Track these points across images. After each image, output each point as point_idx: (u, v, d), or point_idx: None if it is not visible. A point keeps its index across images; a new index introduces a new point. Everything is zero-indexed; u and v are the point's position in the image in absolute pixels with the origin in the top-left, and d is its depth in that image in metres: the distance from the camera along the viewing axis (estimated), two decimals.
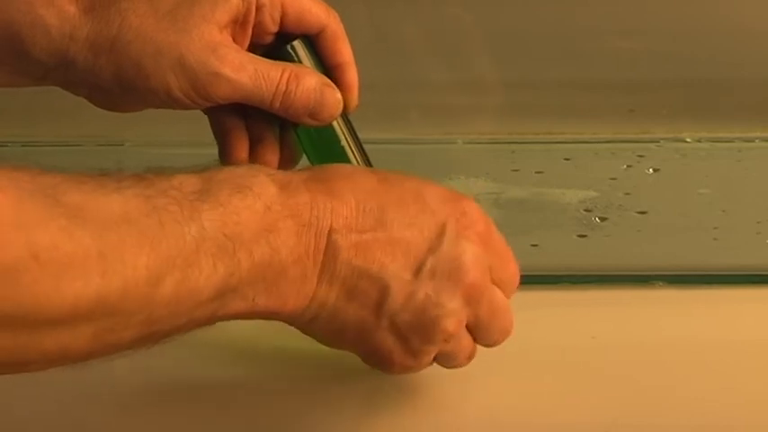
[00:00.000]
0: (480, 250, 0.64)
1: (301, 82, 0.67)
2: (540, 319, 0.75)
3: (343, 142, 0.70)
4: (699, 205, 0.88)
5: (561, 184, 0.90)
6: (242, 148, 0.69)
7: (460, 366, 0.67)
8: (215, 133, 0.70)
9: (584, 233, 0.86)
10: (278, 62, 0.67)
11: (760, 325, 0.78)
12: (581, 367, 0.74)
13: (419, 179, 0.65)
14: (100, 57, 0.66)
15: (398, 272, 0.63)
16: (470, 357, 0.67)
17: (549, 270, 0.81)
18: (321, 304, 0.62)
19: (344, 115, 0.70)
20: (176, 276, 0.55)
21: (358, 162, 0.70)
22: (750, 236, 0.85)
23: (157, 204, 0.55)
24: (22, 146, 0.95)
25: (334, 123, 0.70)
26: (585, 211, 0.88)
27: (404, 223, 0.63)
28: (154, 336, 0.57)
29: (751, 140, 0.95)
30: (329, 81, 0.69)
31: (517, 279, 0.67)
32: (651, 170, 0.92)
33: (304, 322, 0.63)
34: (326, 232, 0.61)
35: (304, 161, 0.71)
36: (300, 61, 0.69)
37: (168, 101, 0.66)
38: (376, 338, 0.64)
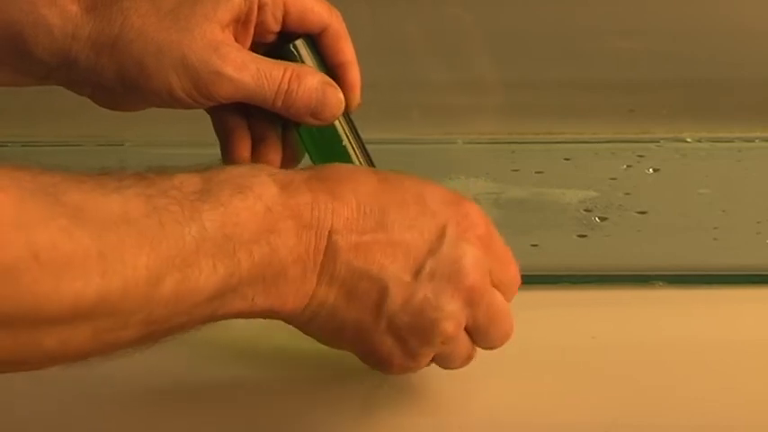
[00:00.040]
0: (481, 253, 0.64)
1: (303, 81, 0.67)
2: (540, 319, 0.75)
3: (345, 142, 0.70)
4: (699, 205, 0.88)
5: (561, 184, 0.90)
6: (244, 147, 0.69)
7: (457, 368, 0.67)
8: (217, 133, 0.70)
9: (584, 233, 0.86)
10: (280, 61, 0.67)
11: (760, 325, 0.78)
12: (581, 367, 0.74)
13: (421, 180, 0.65)
14: (102, 56, 0.66)
15: (398, 273, 0.63)
16: (468, 360, 0.67)
17: (549, 270, 0.81)
18: (320, 304, 0.62)
19: (346, 115, 0.70)
20: (176, 276, 0.55)
21: (360, 162, 0.70)
22: (750, 236, 0.85)
23: (158, 204, 0.55)
24: (22, 146, 0.95)
25: (336, 123, 0.70)
26: (585, 211, 0.88)
27: (404, 225, 0.63)
28: (153, 335, 0.57)
29: (751, 140, 0.95)
30: (331, 80, 0.69)
31: (518, 282, 0.67)
32: (651, 170, 0.92)
33: (303, 322, 0.63)
34: (327, 233, 0.61)
35: (306, 160, 0.71)
36: (302, 61, 0.69)
37: (170, 100, 0.66)
38: (374, 339, 0.64)
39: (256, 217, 0.59)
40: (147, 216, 0.55)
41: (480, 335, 0.66)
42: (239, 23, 0.68)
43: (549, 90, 0.96)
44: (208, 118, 0.71)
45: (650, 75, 0.96)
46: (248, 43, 0.68)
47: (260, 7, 0.68)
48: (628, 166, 0.93)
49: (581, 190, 0.89)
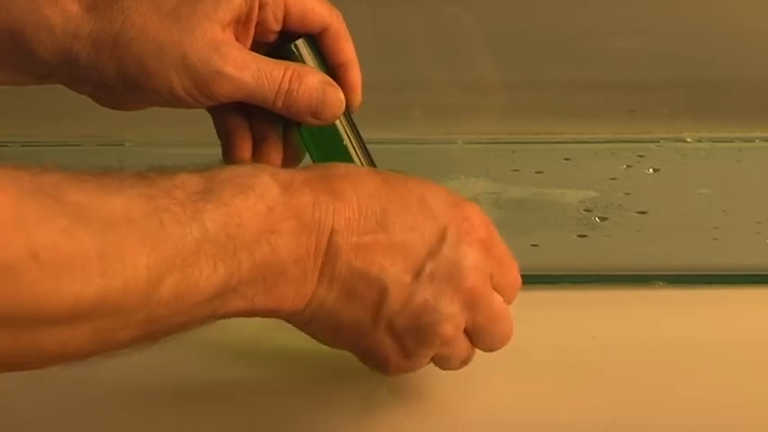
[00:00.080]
0: (481, 256, 0.64)
1: (304, 81, 0.67)
2: (540, 319, 0.75)
3: (346, 141, 0.70)
4: (699, 205, 0.88)
5: (561, 184, 0.90)
6: (245, 147, 0.69)
7: (455, 369, 0.67)
8: (218, 132, 0.71)
9: (584, 233, 0.86)
10: (281, 61, 0.67)
11: (760, 325, 0.78)
12: (581, 367, 0.74)
13: (423, 182, 0.65)
14: (103, 54, 0.66)
15: (398, 275, 0.63)
16: (466, 361, 0.67)
17: (549, 270, 0.81)
18: (320, 304, 0.62)
19: (347, 115, 0.70)
20: (176, 276, 0.55)
21: (361, 161, 0.70)
22: (750, 236, 0.85)
23: (159, 205, 0.55)
24: (22, 146, 0.95)
25: (337, 122, 0.70)
26: (585, 211, 0.88)
27: (405, 227, 0.63)
28: (153, 334, 0.57)
29: (751, 140, 0.95)
30: (331, 80, 0.69)
31: (518, 286, 0.67)
32: (651, 170, 0.92)
33: (302, 321, 0.63)
34: (328, 233, 0.61)
35: (307, 159, 0.71)
36: (303, 60, 0.69)
37: (171, 99, 0.66)
38: (373, 340, 0.64)
39: (258, 217, 0.59)
40: (149, 216, 0.55)
41: (480, 337, 0.66)
42: (240, 23, 0.68)
43: (549, 90, 0.96)
44: (208, 118, 0.71)
45: (650, 75, 0.96)
46: (249, 43, 0.68)
47: (261, 7, 0.68)
48: (628, 166, 0.93)
49: (581, 190, 0.89)
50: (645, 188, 0.90)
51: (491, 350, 0.67)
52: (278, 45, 0.69)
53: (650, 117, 0.96)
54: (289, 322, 0.64)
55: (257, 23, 0.68)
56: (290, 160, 0.70)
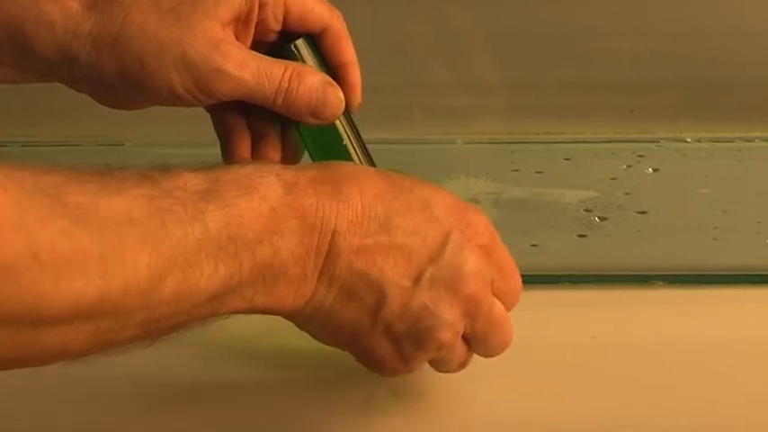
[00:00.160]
0: (482, 262, 0.64)
1: (303, 80, 0.67)
2: (540, 319, 0.75)
3: (346, 141, 0.70)
4: (699, 205, 0.88)
5: (561, 184, 0.90)
6: (244, 146, 0.69)
7: (452, 372, 0.67)
8: (217, 131, 0.70)
9: (584, 233, 0.86)
10: (281, 60, 0.67)
11: (760, 325, 0.78)
12: (581, 367, 0.74)
13: (429, 186, 0.65)
14: (102, 52, 0.66)
15: (397, 279, 0.63)
16: (463, 366, 0.67)
17: (549, 270, 0.81)
18: (319, 304, 0.62)
19: (347, 114, 0.70)
20: (177, 276, 0.55)
21: (361, 161, 0.70)
22: (750, 236, 0.85)
23: (161, 205, 0.55)
24: (22, 146, 0.95)
25: (337, 122, 0.70)
26: (585, 211, 0.88)
27: (408, 230, 0.63)
28: (153, 333, 0.57)
29: (751, 140, 0.95)
30: (331, 80, 0.69)
31: (519, 293, 0.67)
32: (651, 170, 0.92)
33: (301, 320, 0.64)
34: (330, 234, 0.61)
35: (306, 158, 0.71)
36: (303, 60, 0.69)
37: (171, 98, 0.66)
38: (370, 341, 0.64)
39: (260, 218, 0.59)
40: (150, 217, 0.55)
41: (478, 343, 0.66)
42: (240, 22, 0.68)
43: (549, 90, 0.96)
44: (208, 118, 0.71)
45: (650, 75, 0.96)
46: (249, 42, 0.68)
47: (261, 6, 0.68)
48: (628, 166, 0.93)
49: (581, 190, 0.89)
50: (645, 188, 0.90)
51: (489, 356, 0.67)
52: (278, 45, 0.69)
53: (650, 117, 0.96)
54: (288, 320, 0.64)
55: (257, 23, 0.68)
56: (288, 159, 0.70)
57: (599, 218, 0.87)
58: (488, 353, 0.67)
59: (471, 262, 0.64)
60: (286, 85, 0.67)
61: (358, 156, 0.70)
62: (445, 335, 0.64)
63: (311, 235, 0.61)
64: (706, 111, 0.96)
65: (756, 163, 0.93)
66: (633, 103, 0.96)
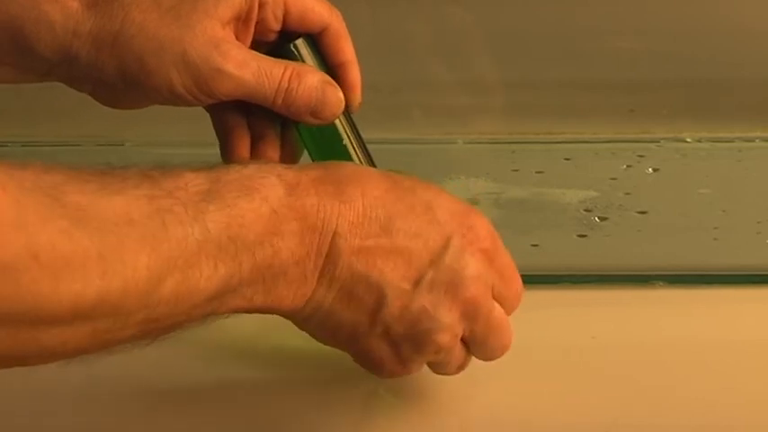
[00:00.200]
0: (483, 266, 0.64)
1: (303, 80, 0.67)
2: (540, 319, 0.75)
3: (346, 141, 0.70)
4: (699, 205, 0.88)
5: (561, 184, 0.90)
6: (243, 145, 0.69)
7: (450, 374, 0.67)
8: (217, 131, 0.70)
9: (584, 233, 0.86)
10: (280, 60, 0.68)
11: (760, 325, 0.78)
12: (581, 367, 0.74)
13: (432, 188, 0.65)
14: (103, 52, 0.66)
15: (397, 281, 0.63)
16: (461, 368, 0.67)
17: (549, 270, 0.81)
18: (318, 305, 0.62)
19: (347, 114, 0.70)
20: (177, 277, 0.55)
21: (360, 161, 0.70)
22: (750, 236, 0.85)
23: (162, 205, 0.55)
24: (22, 146, 0.95)
25: (337, 122, 0.70)
26: (585, 211, 0.88)
27: (409, 233, 0.63)
28: (152, 333, 0.57)
29: (751, 140, 0.95)
30: (331, 80, 0.69)
31: (520, 297, 0.66)
32: (651, 170, 0.92)
33: (300, 319, 0.64)
34: (330, 235, 0.61)
35: (305, 158, 0.71)
36: (303, 60, 0.69)
37: (171, 97, 0.66)
38: (368, 343, 0.64)
39: (261, 219, 0.59)
40: (150, 217, 0.55)
41: (477, 347, 0.66)
42: (240, 21, 0.68)
43: (549, 90, 0.96)
44: (208, 118, 0.71)
45: (650, 75, 0.96)
46: (249, 41, 0.68)
47: (261, 5, 0.68)
48: (628, 166, 0.93)
49: (581, 190, 0.89)
50: (645, 188, 0.90)
51: (488, 360, 0.67)
52: (278, 45, 0.69)
53: (650, 117, 0.96)
54: (287, 319, 0.64)
55: (257, 22, 0.68)
56: (287, 159, 0.70)
57: (599, 218, 0.87)
58: (487, 356, 0.67)
59: (472, 266, 0.64)
60: (286, 85, 0.67)
61: (358, 156, 0.70)
62: (444, 338, 0.64)
63: (312, 236, 0.61)
64: (706, 111, 0.96)
65: (756, 163, 0.93)
66: (633, 103, 0.96)
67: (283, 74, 0.67)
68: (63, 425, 0.70)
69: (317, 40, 0.70)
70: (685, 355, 0.75)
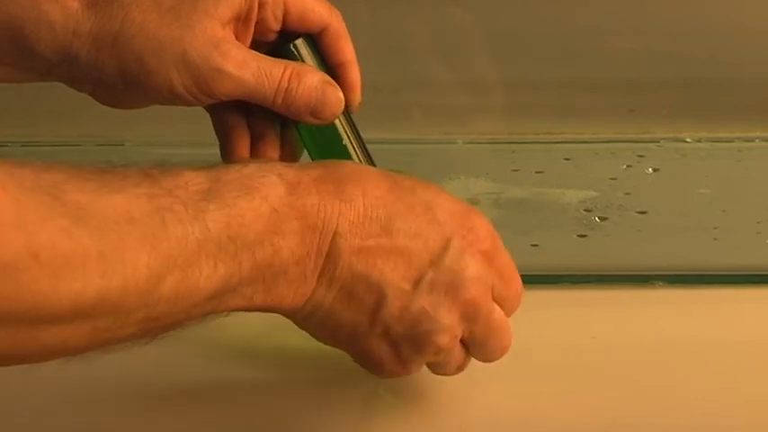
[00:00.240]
0: (483, 267, 0.64)
1: (303, 80, 0.67)
2: (540, 319, 0.75)
3: (346, 141, 0.70)
4: (699, 205, 0.88)
5: (561, 184, 0.90)
6: (243, 145, 0.69)
7: (449, 375, 0.67)
8: (216, 131, 0.70)
9: (584, 233, 0.86)
10: (280, 60, 0.68)
11: (760, 325, 0.78)
12: (581, 367, 0.74)
13: (433, 188, 0.65)
14: (103, 52, 0.66)
15: (397, 281, 0.63)
16: (460, 369, 0.67)
17: (549, 270, 0.81)
18: (318, 304, 0.62)
19: (347, 114, 0.70)
20: (177, 276, 0.55)
21: (360, 161, 0.70)
22: (750, 236, 0.85)
23: (162, 204, 0.55)
24: (22, 146, 0.95)
25: (337, 122, 0.70)
26: (585, 211, 0.88)
27: (409, 233, 0.63)
28: (151, 331, 0.57)
29: (751, 140, 0.95)
30: (331, 79, 0.69)
31: (520, 299, 0.66)
32: (651, 170, 0.92)
33: (300, 318, 0.64)
34: (331, 235, 0.61)
35: (305, 157, 0.71)
36: (303, 60, 0.69)
37: (171, 97, 0.66)
38: (368, 343, 0.64)
39: (261, 218, 0.59)
40: (150, 216, 0.55)
41: (477, 348, 0.66)
42: (240, 21, 0.68)
43: (549, 90, 0.96)
44: (208, 118, 0.71)
45: (650, 75, 0.96)
46: (249, 41, 0.68)
47: (260, 5, 0.68)
48: (628, 166, 0.93)
49: (581, 190, 0.89)
50: (645, 188, 0.90)
51: (488, 361, 0.67)
52: (278, 45, 0.69)
53: (650, 117, 0.96)
54: (287, 317, 0.64)
55: (257, 22, 0.68)
56: (287, 159, 0.70)
57: (599, 218, 0.87)
58: (487, 358, 0.67)
59: (472, 267, 0.64)
60: (285, 85, 0.67)
61: (358, 156, 0.70)
62: (443, 339, 0.64)
63: (312, 235, 0.61)
64: (706, 111, 0.96)
65: (756, 163, 0.93)
66: (633, 103, 0.96)
67: (283, 74, 0.67)
68: (63, 425, 0.70)
69: (317, 40, 0.70)
70: (685, 355, 0.75)
